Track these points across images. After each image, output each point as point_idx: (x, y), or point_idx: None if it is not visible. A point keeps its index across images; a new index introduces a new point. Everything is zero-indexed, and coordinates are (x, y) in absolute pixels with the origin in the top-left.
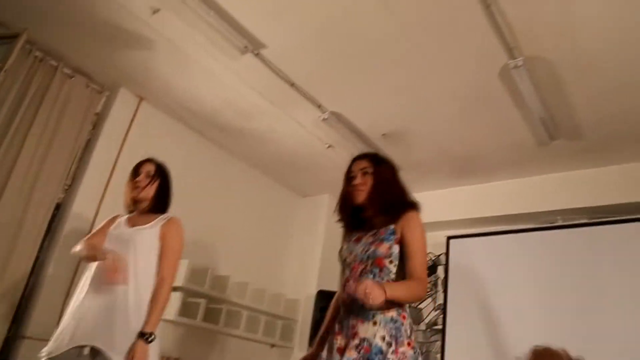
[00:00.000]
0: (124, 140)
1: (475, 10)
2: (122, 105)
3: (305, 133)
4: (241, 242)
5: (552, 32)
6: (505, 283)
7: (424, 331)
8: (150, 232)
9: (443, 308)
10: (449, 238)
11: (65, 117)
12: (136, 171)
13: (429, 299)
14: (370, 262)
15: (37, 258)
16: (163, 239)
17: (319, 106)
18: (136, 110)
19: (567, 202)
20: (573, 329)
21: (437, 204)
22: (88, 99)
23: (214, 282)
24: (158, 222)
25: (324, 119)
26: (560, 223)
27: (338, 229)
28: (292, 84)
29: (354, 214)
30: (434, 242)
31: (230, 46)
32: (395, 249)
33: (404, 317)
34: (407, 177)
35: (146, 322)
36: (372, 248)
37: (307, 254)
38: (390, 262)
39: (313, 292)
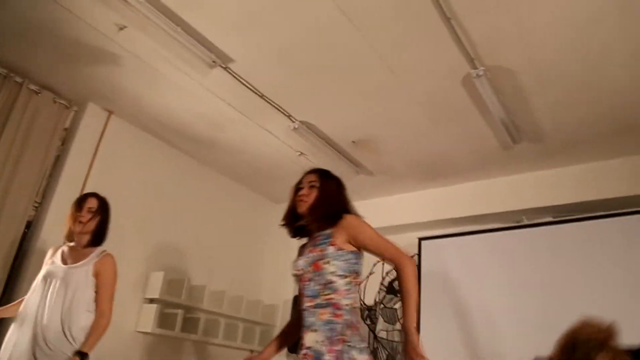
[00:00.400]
0: (95, 154)
1: (437, 24)
2: (91, 119)
3: (277, 142)
4: (216, 250)
5: (509, 44)
6: (476, 281)
7: (400, 330)
8: (83, 270)
9: (417, 307)
10: (420, 239)
11: (33, 133)
12: (79, 205)
13: None
14: (310, 268)
15: (9, 277)
16: (97, 275)
17: (289, 116)
18: (106, 124)
19: (531, 202)
20: (541, 325)
21: (408, 206)
22: (56, 115)
23: (191, 292)
24: (92, 259)
25: (294, 128)
26: (525, 222)
27: None
28: (262, 96)
29: (299, 224)
30: (406, 244)
31: (199, 61)
32: (330, 249)
33: (338, 316)
34: (377, 181)
35: (84, 344)
36: (311, 255)
37: (283, 259)
38: (327, 262)
39: (290, 296)
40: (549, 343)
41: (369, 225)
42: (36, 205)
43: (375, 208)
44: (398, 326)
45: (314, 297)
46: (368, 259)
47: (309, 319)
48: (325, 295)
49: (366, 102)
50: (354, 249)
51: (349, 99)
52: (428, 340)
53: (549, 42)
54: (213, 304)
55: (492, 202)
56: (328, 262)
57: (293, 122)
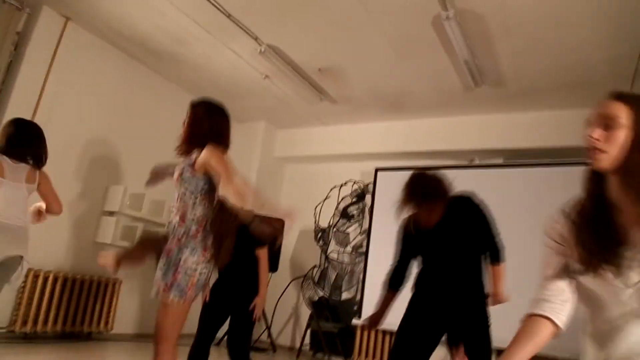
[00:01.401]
0: (52, 62)
1: None
2: (46, 25)
3: (242, 63)
4: None
5: None
6: None
7: (350, 253)
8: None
9: (367, 233)
10: (377, 169)
11: None
12: None
13: (356, 224)
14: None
15: None
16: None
17: (256, 39)
18: (63, 31)
19: (485, 143)
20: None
21: (368, 136)
22: (6, 17)
23: (151, 206)
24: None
25: (260, 52)
26: (477, 162)
27: (272, 155)
28: (229, 16)
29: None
30: (363, 172)
31: None
32: (186, 171)
33: (181, 226)
34: (340, 109)
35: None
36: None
37: (243, 175)
38: (182, 182)
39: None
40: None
41: (215, 155)
42: None
43: (336, 135)
44: (349, 249)
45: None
46: (326, 182)
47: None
48: (178, 206)
49: (335, 31)
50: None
51: (318, 27)
52: (375, 262)
53: None
54: None
55: (448, 139)
56: (183, 180)
57: (260, 45)
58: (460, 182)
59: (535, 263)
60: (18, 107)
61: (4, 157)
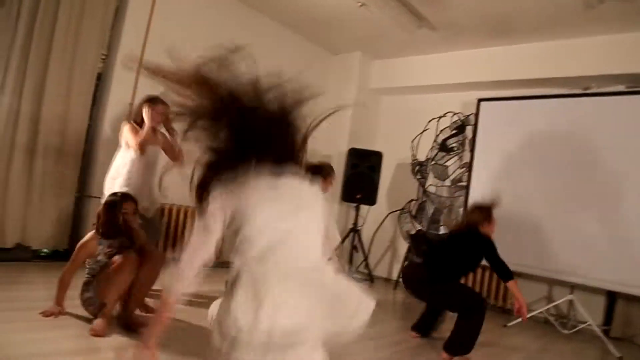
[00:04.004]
0: (154, 3)
1: None
2: None
3: None
4: None
5: None
6: (531, 147)
7: (449, 187)
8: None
9: (469, 166)
10: (479, 100)
11: None
12: (154, 104)
13: (455, 157)
14: None
15: (89, 126)
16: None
17: None
18: None
19: (604, 68)
20: (600, 196)
21: (469, 64)
22: None
23: None
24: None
25: None
26: (594, 90)
27: (368, 87)
28: None
29: None
30: (464, 102)
31: None
32: None
33: None
34: (439, 36)
35: None
36: None
37: (339, 111)
38: None
39: (344, 149)
40: (611, 214)
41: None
42: (103, 57)
43: (434, 64)
44: (447, 182)
45: None
46: (424, 113)
47: None
48: None
49: None
50: None
51: None
52: (476, 197)
53: None
54: None
55: (560, 65)
56: None
57: None
58: (573, 112)
59: None
60: (128, 47)
61: None
